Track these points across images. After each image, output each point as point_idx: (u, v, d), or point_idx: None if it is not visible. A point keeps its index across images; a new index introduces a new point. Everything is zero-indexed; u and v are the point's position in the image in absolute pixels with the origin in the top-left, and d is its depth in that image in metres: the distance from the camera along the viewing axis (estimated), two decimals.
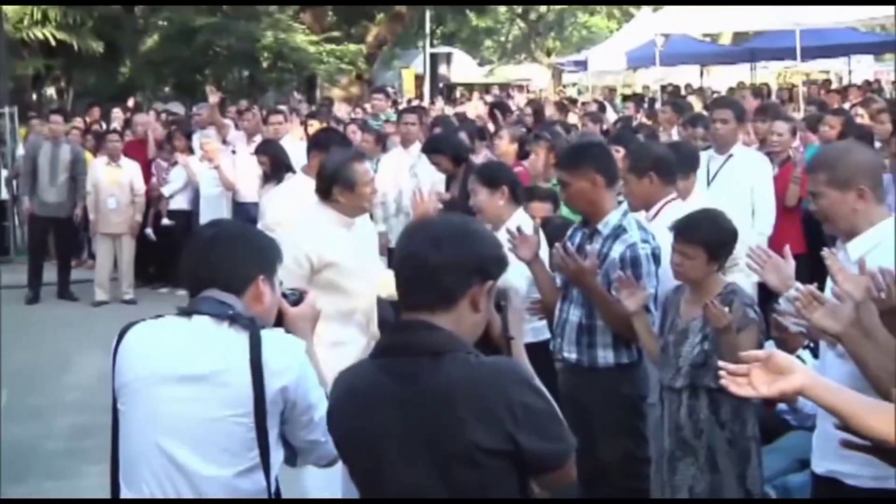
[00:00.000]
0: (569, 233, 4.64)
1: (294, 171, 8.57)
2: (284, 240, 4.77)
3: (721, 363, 2.32)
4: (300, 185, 6.07)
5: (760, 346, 3.85)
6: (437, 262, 2.25)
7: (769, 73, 27.50)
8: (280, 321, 2.79)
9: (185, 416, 2.59)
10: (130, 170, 11.17)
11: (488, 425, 2.16)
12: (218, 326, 2.62)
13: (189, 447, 2.59)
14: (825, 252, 3.18)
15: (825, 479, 3.36)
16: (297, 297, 2.87)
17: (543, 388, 2.29)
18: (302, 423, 2.67)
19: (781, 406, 4.18)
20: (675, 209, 4.75)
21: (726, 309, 3.87)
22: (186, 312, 2.67)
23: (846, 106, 11.62)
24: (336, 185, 4.77)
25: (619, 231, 4.36)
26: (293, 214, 5.34)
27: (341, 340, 4.58)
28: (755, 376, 2.24)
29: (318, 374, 2.73)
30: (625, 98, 21.15)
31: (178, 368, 2.61)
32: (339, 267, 4.72)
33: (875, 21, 20.69)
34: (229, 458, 2.59)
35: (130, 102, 18.31)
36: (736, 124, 6.85)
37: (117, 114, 14.69)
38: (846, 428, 2.29)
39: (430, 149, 7.84)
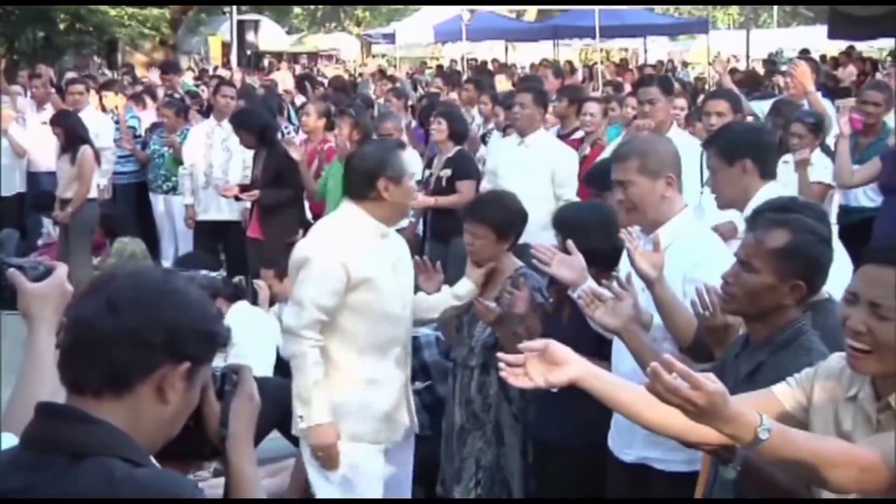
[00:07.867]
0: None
1: (90, 143, 8.32)
2: (312, 249, 3.84)
3: (499, 354, 2.33)
4: None
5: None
6: (107, 330, 1.68)
7: (572, 51, 28.24)
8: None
9: None
10: None
11: None
12: None
13: None
14: (623, 232, 3.27)
15: (634, 466, 3.42)
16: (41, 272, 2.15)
17: None
18: None
19: None
20: None
21: (493, 305, 3.94)
22: None
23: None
24: (381, 177, 3.83)
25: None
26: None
27: (376, 378, 3.88)
28: (531, 367, 2.26)
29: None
30: (438, 70, 21.32)
31: None
32: (376, 285, 3.81)
33: (669, 3, 21.70)
34: None
35: None
36: (535, 108, 6.66)
37: None
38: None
39: (237, 123, 7.69)
